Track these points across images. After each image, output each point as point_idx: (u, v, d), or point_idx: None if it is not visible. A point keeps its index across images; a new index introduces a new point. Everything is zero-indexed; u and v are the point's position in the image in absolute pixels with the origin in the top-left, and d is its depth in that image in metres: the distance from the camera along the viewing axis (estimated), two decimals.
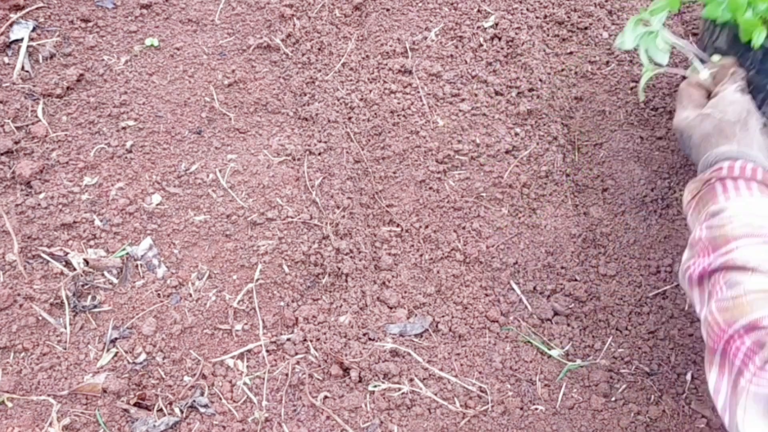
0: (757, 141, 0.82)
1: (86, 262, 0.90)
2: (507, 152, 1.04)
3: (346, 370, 0.87)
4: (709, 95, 0.91)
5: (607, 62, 1.15)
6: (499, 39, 1.14)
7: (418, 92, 1.09)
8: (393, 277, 0.96)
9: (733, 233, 0.72)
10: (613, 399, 0.87)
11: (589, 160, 1.07)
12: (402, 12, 1.17)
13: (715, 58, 0.92)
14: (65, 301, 0.88)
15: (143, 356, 0.85)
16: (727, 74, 0.89)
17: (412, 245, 0.98)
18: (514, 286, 0.95)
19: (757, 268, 0.68)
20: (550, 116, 1.08)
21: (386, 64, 1.11)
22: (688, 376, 0.89)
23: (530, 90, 1.10)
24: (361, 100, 1.08)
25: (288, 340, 0.89)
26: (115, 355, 0.86)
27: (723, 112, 0.84)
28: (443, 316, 0.92)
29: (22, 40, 1.05)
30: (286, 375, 0.86)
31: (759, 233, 0.71)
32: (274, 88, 1.09)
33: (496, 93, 1.10)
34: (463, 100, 1.09)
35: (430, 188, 1.01)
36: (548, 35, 1.18)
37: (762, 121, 0.85)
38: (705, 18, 0.92)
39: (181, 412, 0.82)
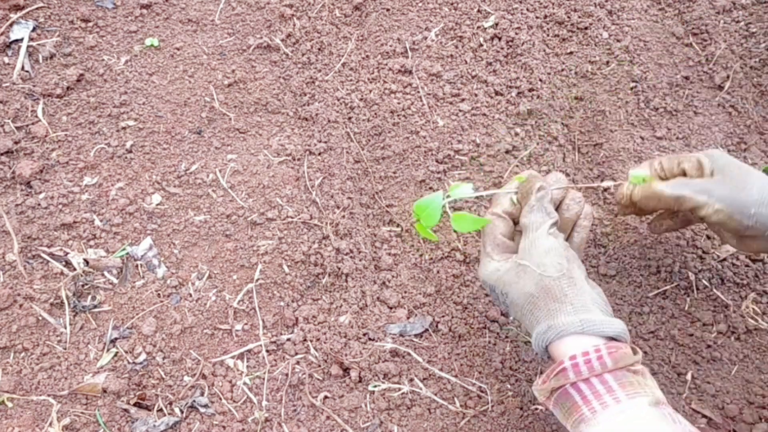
0: (589, 295, 0.69)
1: (86, 262, 0.90)
2: (507, 152, 1.04)
3: (346, 370, 0.87)
4: (515, 223, 0.78)
5: (607, 62, 1.15)
6: (499, 39, 1.14)
7: (418, 92, 1.09)
8: (393, 277, 0.96)
9: None
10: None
11: (589, 160, 1.07)
12: (402, 12, 1.17)
13: (521, 176, 0.78)
14: (65, 301, 0.88)
15: (143, 356, 0.85)
16: (531, 193, 0.74)
17: (412, 245, 0.98)
18: None
19: None
20: (550, 116, 1.08)
21: (386, 64, 1.11)
22: (689, 376, 0.89)
23: (530, 90, 1.10)
24: (361, 100, 1.08)
25: (288, 340, 0.89)
26: (115, 355, 0.86)
27: (541, 265, 0.70)
28: (443, 316, 0.92)
29: (22, 40, 1.05)
30: (286, 375, 0.86)
31: None
32: (274, 88, 1.09)
33: (496, 93, 1.10)
34: (463, 100, 1.09)
35: (430, 188, 1.01)
36: (548, 35, 1.18)
37: (580, 264, 0.73)
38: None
39: (181, 412, 0.82)
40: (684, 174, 0.79)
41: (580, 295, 0.69)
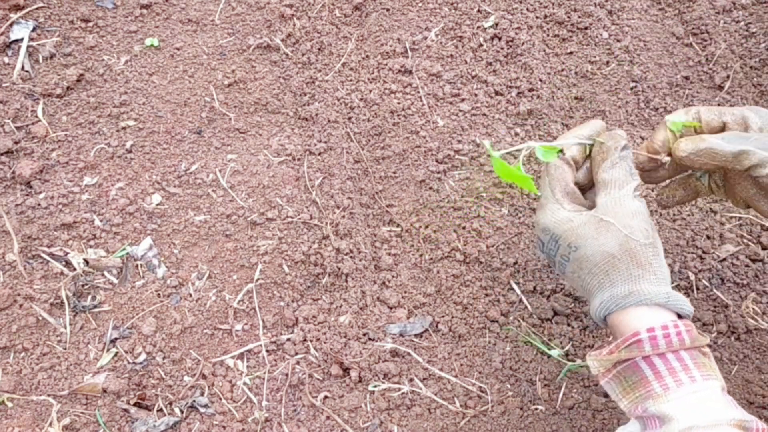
0: (668, 270, 0.66)
1: (86, 262, 0.90)
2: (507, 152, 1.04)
3: (346, 370, 0.87)
4: (577, 184, 0.72)
5: (607, 62, 1.15)
6: (499, 39, 1.14)
7: (418, 92, 1.09)
8: (393, 277, 0.96)
9: None
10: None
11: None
12: (402, 12, 1.17)
13: (595, 125, 0.71)
14: (65, 301, 0.88)
15: (143, 356, 0.85)
16: (614, 149, 0.68)
17: (412, 245, 0.98)
18: (514, 286, 0.95)
19: None
20: (550, 116, 1.08)
21: (386, 64, 1.11)
22: None
23: (530, 90, 1.10)
24: (361, 100, 1.08)
25: (288, 340, 0.89)
26: (115, 355, 0.86)
27: (627, 227, 0.64)
28: (443, 316, 0.92)
29: (22, 40, 1.05)
30: (286, 375, 0.86)
31: None
32: (274, 88, 1.09)
33: (496, 93, 1.10)
34: (463, 100, 1.09)
35: (430, 188, 1.01)
36: (548, 35, 1.18)
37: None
38: None
39: (181, 412, 0.82)
40: (723, 129, 0.71)
41: (663, 267, 0.65)
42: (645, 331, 0.61)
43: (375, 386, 0.86)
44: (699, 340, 0.62)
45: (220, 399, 0.84)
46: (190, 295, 0.90)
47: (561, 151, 0.71)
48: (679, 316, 0.64)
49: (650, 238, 0.65)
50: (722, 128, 0.71)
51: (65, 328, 0.87)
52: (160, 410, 0.82)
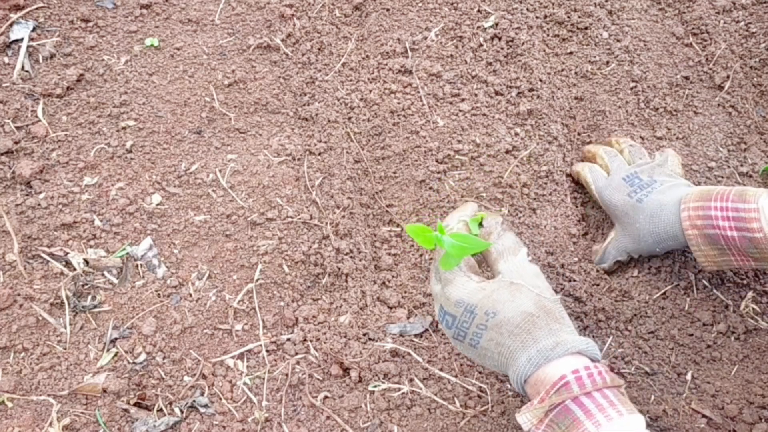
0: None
1: (86, 262, 0.90)
2: (507, 152, 1.04)
3: (346, 370, 0.87)
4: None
5: (607, 62, 1.15)
6: (499, 39, 1.14)
7: (418, 92, 1.09)
8: (393, 277, 0.96)
9: None
10: None
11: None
12: (402, 12, 1.17)
13: (472, 206, 0.81)
14: (65, 301, 0.88)
15: (143, 356, 0.85)
16: (497, 227, 0.77)
17: (412, 245, 0.98)
18: None
19: None
20: (550, 116, 1.08)
21: (386, 64, 1.11)
22: (688, 376, 0.89)
23: (530, 90, 1.10)
24: (361, 100, 1.08)
25: (288, 340, 0.89)
26: (115, 355, 0.86)
27: (536, 287, 0.71)
28: None
29: (22, 40, 1.05)
30: (286, 375, 0.86)
31: None
32: (274, 88, 1.09)
33: (496, 93, 1.10)
34: (463, 100, 1.09)
35: (430, 188, 1.01)
36: (548, 35, 1.18)
37: None
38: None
39: (181, 412, 0.82)
40: None
41: (569, 320, 0.71)
42: (570, 373, 0.64)
43: (375, 386, 0.86)
44: (616, 380, 0.66)
45: (220, 399, 0.84)
46: (190, 295, 0.90)
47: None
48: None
49: (556, 295, 0.72)
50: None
51: (65, 328, 0.87)
52: (160, 410, 0.82)
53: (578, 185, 1.05)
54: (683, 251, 0.98)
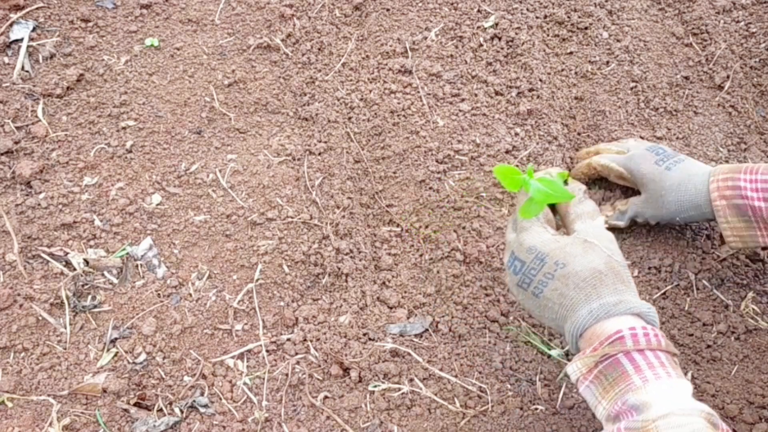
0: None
1: (86, 262, 0.90)
2: (507, 152, 1.04)
3: (346, 370, 0.87)
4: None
5: (607, 62, 1.15)
6: (499, 39, 1.14)
7: (418, 92, 1.09)
8: (393, 277, 0.96)
9: None
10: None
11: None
12: (402, 12, 1.17)
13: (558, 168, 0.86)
14: (65, 301, 0.88)
15: (143, 356, 0.85)
16: (579, 193, 0.80)
17: (412, 245, 0.98)
18: None
19: None
20: (550, 116, 1.08)
21: (386, 64, 1.11)
22: (689, 376, 0.89)
23: (530, 90, 1.10)
24: (361, 100, 1.08)
25: (288, 340, 0.89)
26: (115, 355, 0.86)
27: (609, 249, 0.73)
28: (443, 316, 0.92)
29: (22, 40, 1.05)
30: (286, 375, 0.86)
31: None
32: (274, 88, 1.09)
33: (496, 93, 1.10)
34: (463, 100, 1.09)
35: (430, 188, 1.01)
36: (548, 35, 1.18)
37: None
38: None
39: (181, 412, 0.82)
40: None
41: (634, 286, 0.73)
42: (627, 329, 0.66)
43: (375, 386, 0.86)
44: (671, 347, 0.67)
45: (220, 399, 0.84)
46: (190, 295, 0.90)
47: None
48: None
49: (625, 261, 0.74)
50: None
51: (65, 328, 0.87)
52: (160, 410, 0.82)
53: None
54: (682, 251, 0.98)
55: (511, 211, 1.00)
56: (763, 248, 0.95)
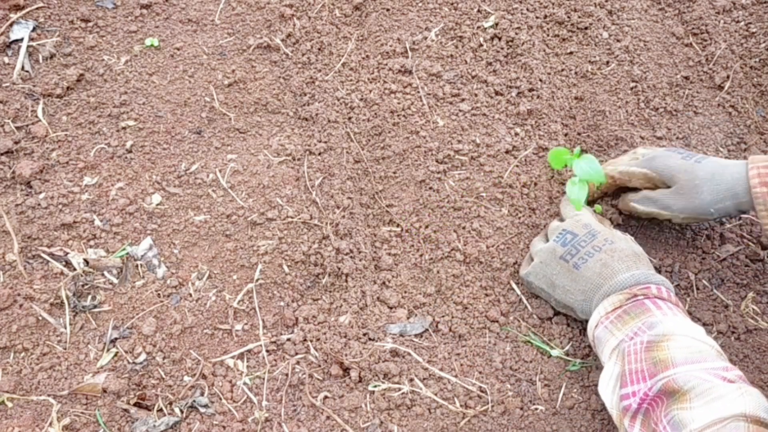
0: None
1: (86, 262, 0.90)
2: (507, 152, 1.04)
3: (346, 370, 0.87)
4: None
5: (607, 62, 1.15)
6: (499, 39, 1.14)
7: (418, 92, 1.09)
8: (393, 277, 0.96)
9: (673, 358, 0.71)
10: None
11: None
12: (402, 12, 1.17)
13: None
14: (65, 301, 0.88)
15: (143, 356, 0.85)
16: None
17: (412, 245, 0.98)
18: (514, 286, 0.95)
19: (694, 388, 0.67)
20: (550, 116, 1.08)
21: (386, 64, 1.11)
22: None
23: (530, 90, 1.10)
24: (361, 100, 1.08)
25: (288, 340, 0.89)
26: (115, 355, 0.86)
27: (626, 239, 0.89)
28: (443, 316, 0.92)
29: (22, 40, 1.05)
30: (286, 375, 0.86)
31: (698, 359, 0.71)
32: (274, 88, 1.09)
33: (496, 93, 1.10)
34: (463, 100, 1.09)
35: (430, 188, 1.01)
36: (548, 35, 1.18)
37: None
38: None
39: (181, 412, 0.82)
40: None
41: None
42: (654, 285, 0.81)
43: (375, 386, 0.86)
44: (687, 314, 0.81)
45: (220, 399, 0.84)
46: (190, 295, 0.90)
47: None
48: None
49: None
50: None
51: (65, 328, 0.87)
52: (160, 410, 0.82)
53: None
54: (682, 251, 0.98)
55: (511, 212, 1.00)
56: None
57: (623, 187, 0.98)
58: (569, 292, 0.86)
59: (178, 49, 1.10)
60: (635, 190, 0.96)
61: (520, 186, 1.02)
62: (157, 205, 0.96)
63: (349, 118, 1.07)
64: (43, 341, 0.86)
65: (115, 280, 0.90)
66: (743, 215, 1.00)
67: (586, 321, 0.86)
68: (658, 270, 0.97)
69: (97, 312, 0.88)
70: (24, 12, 1.08)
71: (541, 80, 1.11)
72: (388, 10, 1.17)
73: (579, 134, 1.10)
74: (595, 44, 1.16)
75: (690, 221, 0.92)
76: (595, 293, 0.84)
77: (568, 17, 1.18)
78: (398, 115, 1.06)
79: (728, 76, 1.15)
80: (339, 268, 0.93)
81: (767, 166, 0.85)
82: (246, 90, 1.08)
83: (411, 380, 0.87)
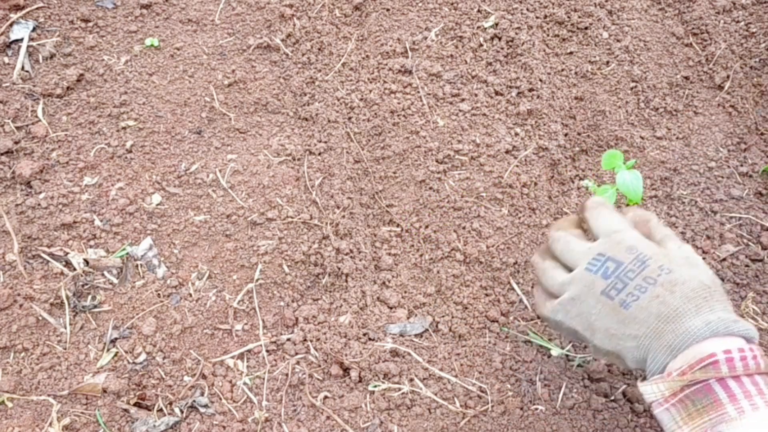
0: None
1: (86, 262, 0.90)
2: (507, 152, 1.04)
3: (346, 370, 0.87)
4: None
5: (607, 62, 1.15)
6: (499, 39, 1.14)
7: (418, 92, 1.09)
8: (393, 277, 0.96)
9: None
10: (613, 399, 0.87)
11: (589, 160, 1.07)
12: (402, 12, 1.17)
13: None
14: (65, 301, 0.88)
15: (143, 356, 0.85)
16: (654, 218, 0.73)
17: (412, 245, 0.98)
18: (515, 286, 0.95)
19: None
20: (550, 116, 1.08)
21: (386, 64, 1.11)
22: None
23: (530, 90, 1.10)
24: (361, 100, 1.08)
25: (288, 340, 0.89)
26: (115, 355, 0.86)
27: (688, 262, 0.66)
28: (443, 316, 0.92)
29: (22, 40, 1.05)
30: (286, 375, 0.86)
31: None
32: (274, 88, 1.09)
33: (496, 93, 1.10)
34: (463, 100, 1.09)
35: (430, 188, 1.01)
36: (548, 35, 1.18)
37: None
38: None
39: (181, 412, 0.82)
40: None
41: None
42: (722, 352, 0.59)
43: (375, 386, 0.86)
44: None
45: (220, 399, 0.84)
46: (190, 295, 0.90)
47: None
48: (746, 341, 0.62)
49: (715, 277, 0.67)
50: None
51: (65, 328, 0.87)
52: (160, 410, 0.82)
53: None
54: None
55: (511, 212, 1.00)
56: None
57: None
58: (615, 337, 0.65)
59: (178, 49, 1.10)
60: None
61: (520, 186, 1.02)
62: (157, 205, 0.96)
63: (349, 118, 1.07)
64: (43, 341, 0.86)
65: (115, 280, 0.90)
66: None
67: (639, 369, 0.67)
68: None
69: (97, 312, 0.88)
70: (24, 12, 1.08)
71: (541, 80, 1.11)
72: (388, 10, 1.17)
73: (579, 134, 1.10)
74: (595, 44, 1.16)
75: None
76: (652, 341, 0.63)
77: (568, 17, 1.18)
78: (398, 115, 1.06)
79: (728, 76, 1.15)
80: (339, 268, 0.93)
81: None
82: (246, 90, 1.08)
83: (411, 380, 0.87)
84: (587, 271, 0.67)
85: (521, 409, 0.85)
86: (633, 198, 0.81)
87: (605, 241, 0.68)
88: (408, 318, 0.92)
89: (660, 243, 0.69)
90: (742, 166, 1.08)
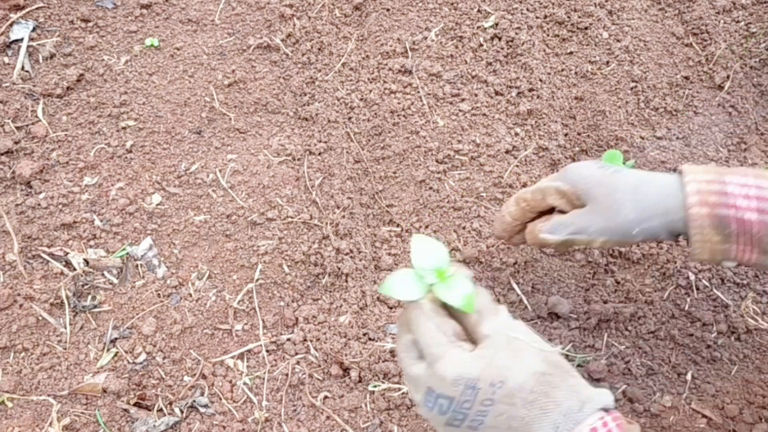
0: None
1: (86, 262, 0.90)
2: (507, 152, 1.04)
3: (346, 370, 0.87)
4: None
5: (607, 62, 1.15)
6: (499, 39, 1.14)
7: (418, 92, 1.09)
8: None
9: None
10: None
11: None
12: (402, 12, 1.17)
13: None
14: (65, 301, 0.88)
15: (143, 356, 0.85)
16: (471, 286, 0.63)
17: None
18: (515, 286, 0.95)
19: None
20: (550, 116, 1.08)
21: (386, 64, 1.11)
22: (689, 376, 0.89)
23: (530, 90, 1.10)
24: (361, 100, 1.08)
25: (288, 340, 0.89)
26: (115, 355, 0.86)
27: (534, 341, 0.61)
28: None
29: (22, 40, 1.05)
30: (286, 375, 0.86)
31: None
32: (274, 88, 1.09)
33: (496, 93, 1.10)
34: (463, 100, 1.09)
35: (430, 188, 1.01)
36: (548, 35, 1.18)
37: None
38: None
39: (181, 412, 0.82)
40: (552, 209, 0.78)
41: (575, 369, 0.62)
42: (587, 424, 0.57)
43: (375, 386, 0.86)
44: (633, 428, 0.60)
45: (220, 399, 0.84)
46: (190, 295, 0.90)
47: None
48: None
49: (554, 346, 0.62)
50: (552, 208, 0.79)
51: (65, 328, 0.87)
52: (160, 410, 0.82)
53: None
54: (682, 251, 0.98)
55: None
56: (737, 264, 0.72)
57: (542, 212, 0.80)
58: None
59: (178, 49, 1.10)
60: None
61: (520, 186, 1.02)
62: (157, 205, 0.96)
63: (349, 118, 1.07)
64: (43, 341, 0.86)
65: (115, 280, 0.90)
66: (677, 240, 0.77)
67: None
68: (660, 266, 0.97)
69: (97, 312, 0.88)
70: (24, 12, 1.08)
71: (541, 80, 1.10)
72: (388, 10, 1.17)
73: (579, 134, 1.10)
74: (595, 44, 1.16)
75: (612, 245, 0.73)
76: None
77: (568, 17, 1.18)
78: (398, 115, 1.06)
79: (728, 76, 1.15)
80: (339, 268, 0.93)
81: (710, 182, 0.67)
82: (246, 90, 1.08)
83: None
84: (425, 407, 0.61)
85: None
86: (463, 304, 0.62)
87: (424, 377, 0.61)
88: None
89: (475, 327, 0.62)
90: (742, 166, 1.08)
